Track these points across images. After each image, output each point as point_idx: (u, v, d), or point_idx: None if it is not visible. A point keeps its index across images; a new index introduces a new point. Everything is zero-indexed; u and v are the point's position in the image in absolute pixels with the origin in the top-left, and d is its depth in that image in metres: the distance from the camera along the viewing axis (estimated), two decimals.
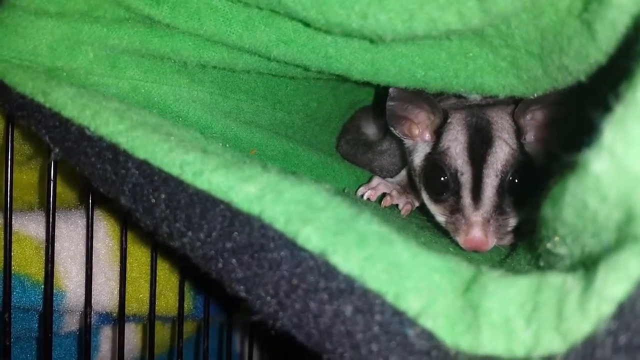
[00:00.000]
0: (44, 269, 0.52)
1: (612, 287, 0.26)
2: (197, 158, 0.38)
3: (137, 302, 0.59)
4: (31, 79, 0.46)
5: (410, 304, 0.30)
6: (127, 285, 0.55)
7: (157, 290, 0.57)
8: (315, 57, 0.57)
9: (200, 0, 0.51)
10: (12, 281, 0.52)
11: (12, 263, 0.52)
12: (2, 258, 0.52)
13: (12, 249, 0.52)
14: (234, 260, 0.36)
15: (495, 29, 0.49)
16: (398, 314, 0.30)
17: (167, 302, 0.61)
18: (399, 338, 0.30)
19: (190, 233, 0.37)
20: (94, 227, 0.55)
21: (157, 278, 0.57)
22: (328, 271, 0.32)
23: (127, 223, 0.55)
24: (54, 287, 0.53)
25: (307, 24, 0.52)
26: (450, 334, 0.30)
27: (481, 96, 0.66)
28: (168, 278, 0.62)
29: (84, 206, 0.55)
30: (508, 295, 0.30)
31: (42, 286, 0.53)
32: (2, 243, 0.52)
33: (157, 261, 0.58)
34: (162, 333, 0.68)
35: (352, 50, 0.56)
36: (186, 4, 0.51)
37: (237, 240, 0.35)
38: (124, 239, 0.55)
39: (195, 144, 0.40)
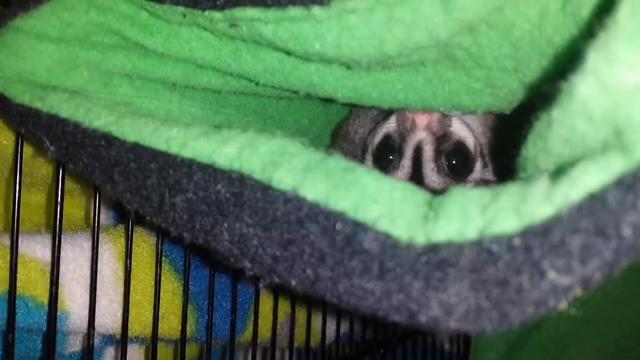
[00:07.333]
0: (48, 291, 0.53)
1: (587, 176, 0.27)
2: (180, 131, 0.42)
3: (140, 324, 0.60)
4: (29, 90, 0.51)
5: (369, 215, 0.32)
6: (130, 307, 0.56)
7: (160, 313, 0.58)
8: (301, 84, 0.61)
9: (191, 32, 0.56)
10: (17, 302, 0.53)
11: (17, 285, 0.53)
12: (8, 279, 0.53)
13: (18, 270, 0.53)
14: (219, 217, 0.38)
15: (466, 51, 0.52)
16: (357, 225, 0.32)
17: (169, 325, 0.61)
18: (357, 247, 0.32)
19: (179, 196, 0.40)
20: (99, 249, 0.56)
21: (160, 301, 0.58)
22: (297, 202, 0.35)
23: (131, 246, 0.57)
24: (58, 309, 0.54)
25: (289, 54, 0.57)
26: (406, 232, 0.31)
27: (462, 112, 0.69)
28: (171, 301, 0.63)
29: (90, 229, 0.58)
30: (470, 193, 0.31)
31: (46, 307, 0.55)
32: (8, 265, 0.53)
33: (161, 284, 0.59)
34: (165, 354, 0.67)
35: (335, 77, 0.60)
36: (177, 36, 0.56)
37: (221, 194, 0.38)
38: (128, 261, 0.56)
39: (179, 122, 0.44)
